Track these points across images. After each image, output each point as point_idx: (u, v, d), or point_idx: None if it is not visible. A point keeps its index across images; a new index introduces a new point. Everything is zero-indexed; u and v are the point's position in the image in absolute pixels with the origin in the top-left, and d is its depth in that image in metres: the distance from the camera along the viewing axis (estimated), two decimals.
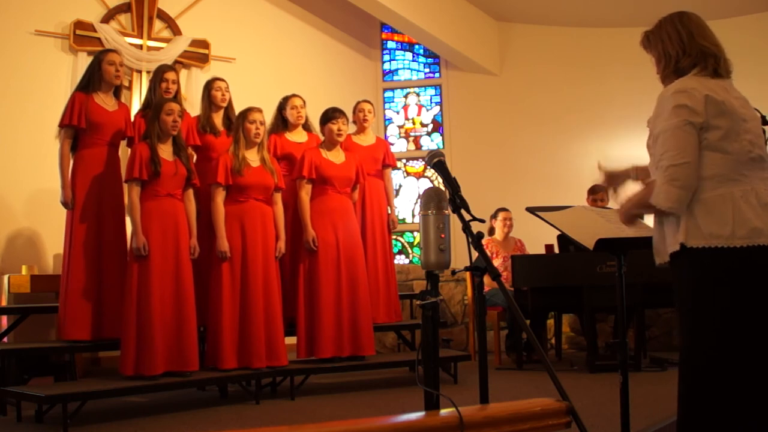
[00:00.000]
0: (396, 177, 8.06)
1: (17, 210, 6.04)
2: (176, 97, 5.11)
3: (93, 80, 4.85)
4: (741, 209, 2.25)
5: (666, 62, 2.42)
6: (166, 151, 4.71)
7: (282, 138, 5.57)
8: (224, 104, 5.35)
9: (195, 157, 5.33)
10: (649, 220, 2.81)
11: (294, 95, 5.62)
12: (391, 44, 8.42)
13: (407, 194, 8.26)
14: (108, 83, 4.89)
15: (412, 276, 7.59)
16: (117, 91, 5.03)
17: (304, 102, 5.63)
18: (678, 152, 2.27)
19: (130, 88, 6.56)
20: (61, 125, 4.79)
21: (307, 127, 5.70)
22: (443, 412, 2.26)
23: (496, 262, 6.52)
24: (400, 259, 8.05)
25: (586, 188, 6.76)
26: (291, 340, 5.12)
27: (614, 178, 2.80)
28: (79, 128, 4.77)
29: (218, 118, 5.33)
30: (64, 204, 4.77)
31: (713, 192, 2.28)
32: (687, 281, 2.32)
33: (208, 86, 5.38)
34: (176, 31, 6.88)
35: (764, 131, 2.46)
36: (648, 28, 2.55)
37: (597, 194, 6.57)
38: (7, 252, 5.95)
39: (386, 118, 8.38)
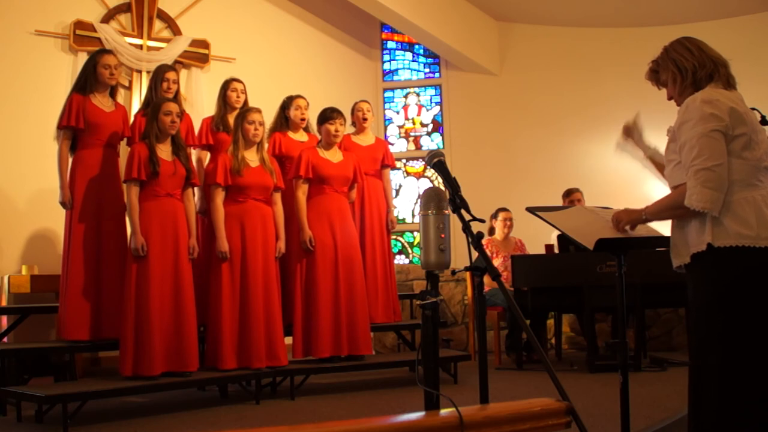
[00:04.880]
0: (396, 177, 8.07)
1: (17, 210, 6.04)
2: (176, 97, 5.12)
3: (89, 82, 4.85)
4: (763, 212, 2.41)
5: (683, 77, 2.55)
6: (164, 150, 4.71)
7: (285, 136, 5.58)
8: (238, 105, 5.36)
9: (209, 156, 5.35)
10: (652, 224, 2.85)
11: (299, 96, 5.62)
12: (391, 44, 8.42)
13: (407, 194, 8.26)
14: (104, 84, 4.90)
15: (412, 276, 7.59)
16: (113, 92, 5.03)
17: (308, 104, 5.64)
18: (709, 156, 2.41)
19: (130, 88, 6.57)
20: (60, 127, 4.80)
21: (308, 128, 5.71)
22: (443, 412, 2.26)
23: (496, 262, 6.51)
24: (400, 259, 8.05)
25: (587, 188, 6.75)
26: (289, 340, 5.12)
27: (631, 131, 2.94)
28: (77, 129, 4.78)
29: (232, 118, 5.32)
30: (63, 204, 4.78)
31: (737, 195, 2.43)
32: (713, 281, 2.43)
33: (225, 86, 5.42)
34: (176, 31, 6.88)
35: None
36: (653, 57, 2.68)
37: (572, 195, 6.56)
38: (7, 252, 5.95)
39: (386, 118, 8.37)
